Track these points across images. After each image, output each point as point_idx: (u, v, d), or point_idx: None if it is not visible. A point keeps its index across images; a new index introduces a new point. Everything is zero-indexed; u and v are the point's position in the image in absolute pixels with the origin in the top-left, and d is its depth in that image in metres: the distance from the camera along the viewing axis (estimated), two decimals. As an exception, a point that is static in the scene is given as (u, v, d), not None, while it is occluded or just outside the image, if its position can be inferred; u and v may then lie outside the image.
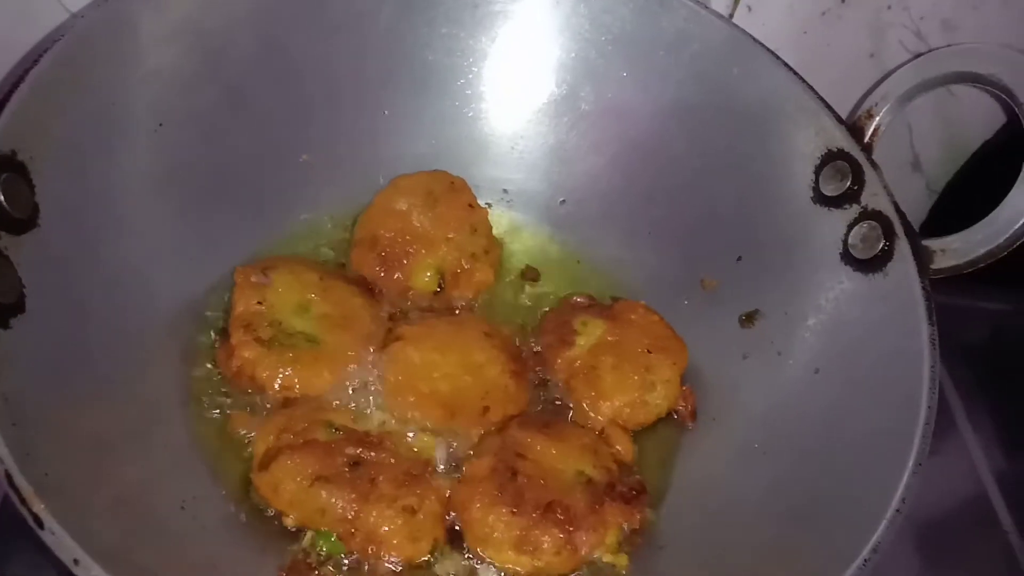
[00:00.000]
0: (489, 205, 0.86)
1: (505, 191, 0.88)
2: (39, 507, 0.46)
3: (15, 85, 0.59)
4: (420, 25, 0.82)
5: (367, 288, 0.76)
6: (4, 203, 0.56)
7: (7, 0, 0.78)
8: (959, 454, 0.93)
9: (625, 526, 0.64)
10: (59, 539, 0.45)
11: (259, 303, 0.68)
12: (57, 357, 0.57)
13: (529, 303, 0.82)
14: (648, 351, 0.75)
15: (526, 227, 0.86)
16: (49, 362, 0.56)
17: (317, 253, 0.79)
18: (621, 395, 0.72)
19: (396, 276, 0.77)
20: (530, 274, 0.84)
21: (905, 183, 1.04)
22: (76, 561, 0.45)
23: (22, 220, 0.57)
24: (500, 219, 0.86)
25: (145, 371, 0.64)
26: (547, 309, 0.81)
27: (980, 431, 0.94)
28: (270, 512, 0.61)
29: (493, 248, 0.81)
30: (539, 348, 0.77)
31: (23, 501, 0.46)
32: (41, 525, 0.45)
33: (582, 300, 0.81)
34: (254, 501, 0.62)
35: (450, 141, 0.86)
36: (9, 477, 0.46)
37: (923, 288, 0.66)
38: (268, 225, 0.78)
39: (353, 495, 0.59)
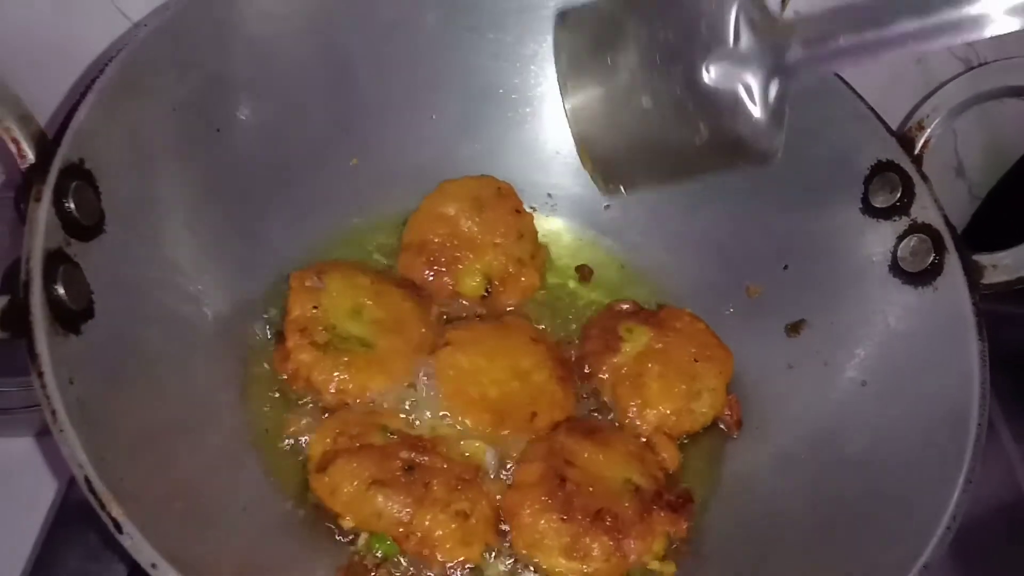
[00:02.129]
0: (534, 209, 0.87)
1: (550, 195, 0.88)
2: (118, 512, 0.47)
3: (82, 95, 0.60)
4: (465, 31, 0.82)
5: (416, 292, 0.77)
6: (74, 211, 0.57)
7: (70, 11, 0.79)
8: (999, 461, 0.93)
9: (671, 534, 0.65)
10: (137, 544, 0.47)
11: (314, 307, 0.70)
12: (123, 361, 0.58)
13: (574, 308, 0.82)
14: (695, 359, 0.76)
15: (571, 232, 0.87)
16: (116, 366, 0.57)
17: (367, 256, 0.81)
18: (667, 403, 0.73)
19: (444, 280, 0.78)
20: (585, 272, 0.85)
21: (948, 189, 1.04)
22: (154, 565, 0.46)
23: (90, 227, 0.59)
24: (545, 224, 0.87)
25: (204, 373, 0.66)
26: (591, 315, 0.82)
27: (1021, 439, 0.94)
28: (327, 514, 0.63)
29: (539, 253, 0.82)
30: (583, 354, 0.78)
31: (102, 506, 0.47)
32: (120, 530, 0.47)
33: (627, 306, 0.82)
34: (311, 503, 0.63)
35: (496, 145, 0.86)
36: (88, 482, 0.48)
37: (973, 304, 0.66)
38: (319, 228, 0.80)
39: (409, 499, 0.61)
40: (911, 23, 0.53)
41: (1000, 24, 0.50)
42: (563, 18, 0.73)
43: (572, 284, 0.85)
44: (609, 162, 0.71)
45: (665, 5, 0.66)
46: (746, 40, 0.60)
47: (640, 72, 0.65)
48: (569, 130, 0.78)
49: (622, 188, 0.74)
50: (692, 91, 0.61)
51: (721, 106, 0.61)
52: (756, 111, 0.60)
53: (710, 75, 0.60)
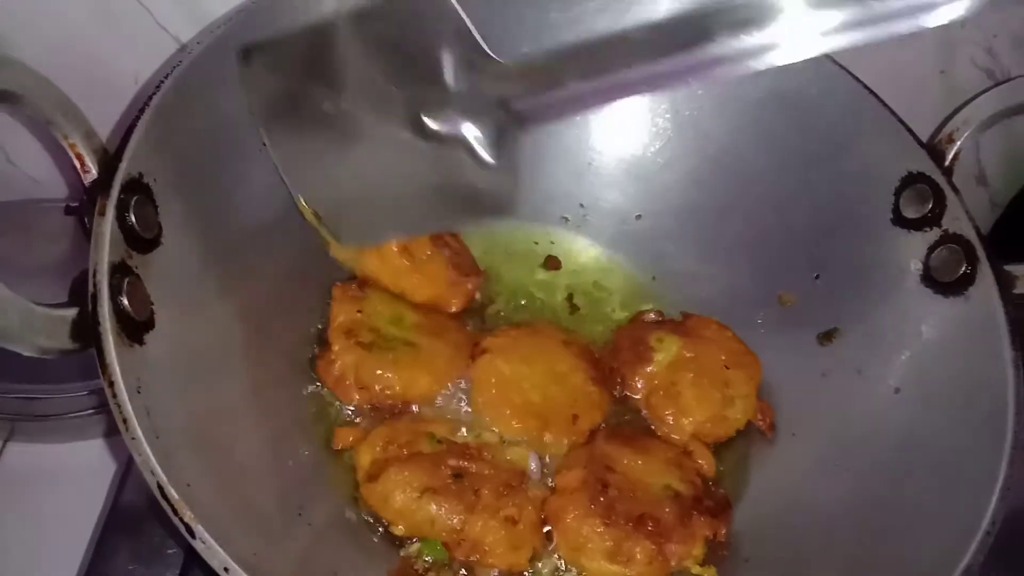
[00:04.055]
0: (566, 219, 0.89)
1: (581, 205, 0.90)
2: (190, 517, 0.49)
3: (140, 112, 0.62)
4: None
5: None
6: (135, 224, 0.59)
7: (113, 31, 0.81)
8: None
9: (711, 538, 0.67)
10: (209, 548, 0.49)
11: (358, 311, 0.72)
12: (182, 371, 0.60)
13: (609, 319, 0.84)
14: (726, 367, 0.77)
15: (602, 242, 0.88)
16: (176, 376, 0.59)
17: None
18: (702, 411, 0.74)
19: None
20: (552, 263, 0.86)
21: (970, 197, 1.04)
22: (226, 569, 0.48)
23: (149, 240, 0.60)
24: (576, 235, 0.89)
25: (258, 380, 0.67)
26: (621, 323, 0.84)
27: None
28: (377, 519, 0.64)
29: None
30: (616, 365, 0.79)
31: (175, 512, 0.49)
32: (192, 535, 0.49)
33: (654, 316, 0.83)
34: (363, 508, 0.65)
35: (529, 157, 0.87)
36: (160, 488, 0.49)
37: (1006, 313, 0.67)
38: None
39: (460, 506, 0.62)
40: (642, 70, 0.50)
41: (732, 68, 0.48)
42: (247, 58, 0.65)
43: (597, 292, 0.86)
44: (339, 216, 0.65)
45: (373, 46, 0.60)
46: (467, 85, 0.56)
47: (354, 118, 0.60)
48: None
49: (353, 240, 0.69)
50: (413, 138, 0.56)
51: (447, 154, 0.56)
52: (486, 159, 0.56)
53: (432, 122, 0.56)
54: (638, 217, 0.89)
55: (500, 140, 0.56)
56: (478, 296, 0.82)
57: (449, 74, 0.55)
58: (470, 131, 0.55)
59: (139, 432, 0.50)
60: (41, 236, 0.93)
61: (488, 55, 0.57)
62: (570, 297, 0.85)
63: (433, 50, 0.56)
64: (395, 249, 0.75)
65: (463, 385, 0.72)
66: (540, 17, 0.80)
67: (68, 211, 0.90)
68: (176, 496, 0.49)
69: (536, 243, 0.88)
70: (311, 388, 0.71)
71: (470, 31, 0.57)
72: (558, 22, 0.80)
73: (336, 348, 0.70)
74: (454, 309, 0.79)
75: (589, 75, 0.52)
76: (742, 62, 0.48)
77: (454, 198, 0.60)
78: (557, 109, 0.55)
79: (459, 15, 0.58)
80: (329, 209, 0.65)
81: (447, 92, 0.55)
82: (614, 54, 0.52)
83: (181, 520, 0.49)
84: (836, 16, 0.46)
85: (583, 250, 0.89)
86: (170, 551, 0.71)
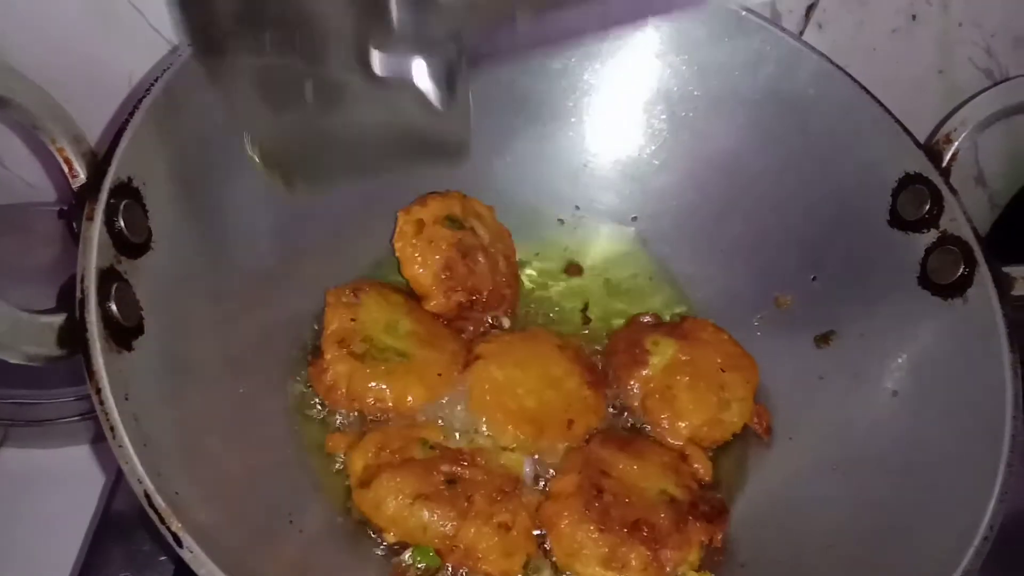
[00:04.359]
0: (561, 222, 0.88)
1: (577, 207, 0.89)
2: (177, 526, 0.48)
3: (130, 115, 0.61)
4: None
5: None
6: (124, 229, 0.58)
7: (106, 33, 0.81)
8: None
9: (707, 544, 0.66)
10: (197, 558, 0.48)
11: (352, 320, 0.71)
12: (171, 378, 0.60)
13: (600, 320, 0.84)
14: (722, 369, 0.77)
15: (597, 243, 0.88)
16: (165, 383, 0.58)
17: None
18: (698, 414, 0.74)
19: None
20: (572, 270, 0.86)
21: (968, 198, 1.03)
22: (213, 578, 0.48)
23: (139, 244, 0.60)
24: (572, 235, 0.88)
25: (248, 389, 0.67)
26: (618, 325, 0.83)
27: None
28: (370, 526, 0.64)
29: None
30: (611, 368, 0.79)
31: (162, 520, 0.48)
32: (180, 544, 0.48)
33: (649, 319, 0.83)
34: (354, 515, 0.65)
35: (525, 158, 0.87)
36: (148, 497, 0.49)
37: (1004, 315, 0.67)
38: (353, 242, 0.81)
39: (452, 512, 0.62)
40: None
41: None
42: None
43: (598, 295, 0.86)
44: (282, 160, 0.62)
45: None
46: (413, 23, 0.52)
47: (295, 58, 0.56)
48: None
49: (305, 187, 0.64)
50: (361, 80, 0.53)
51: (397, 99, 0.54)
52: (435, 100, 0.53)
53: (378, 63, 0.53)
54: (634, 219, 0.89)
55: (450, 82, 0.53)
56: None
57: (393, 11, 0.52)
58: (420, 72, 0.52)
59: (126, 440, 0.50)
60: (35, 240, 0.93)
61: None
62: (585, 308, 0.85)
63: None
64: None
65: (457, 391, 0.72)
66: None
67: (62, 215, 0.89)
68: (163, 504, 0.49)
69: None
70: (302, 395, 0.71)
71: None
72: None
73: (328, 357, 0.70)
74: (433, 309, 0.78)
75: (541, 7, 0.50)
76: None
77: (405, 142, 0.57)
78: (508, 45, 0.52)
79: None
80: (280, 158, 0.62)
81: (394, 29, 0.52)
82: None
83: (169, 529, 0.48)
84: None
85: (579, 250, 0.88)
86: (162, 558, 0.71)
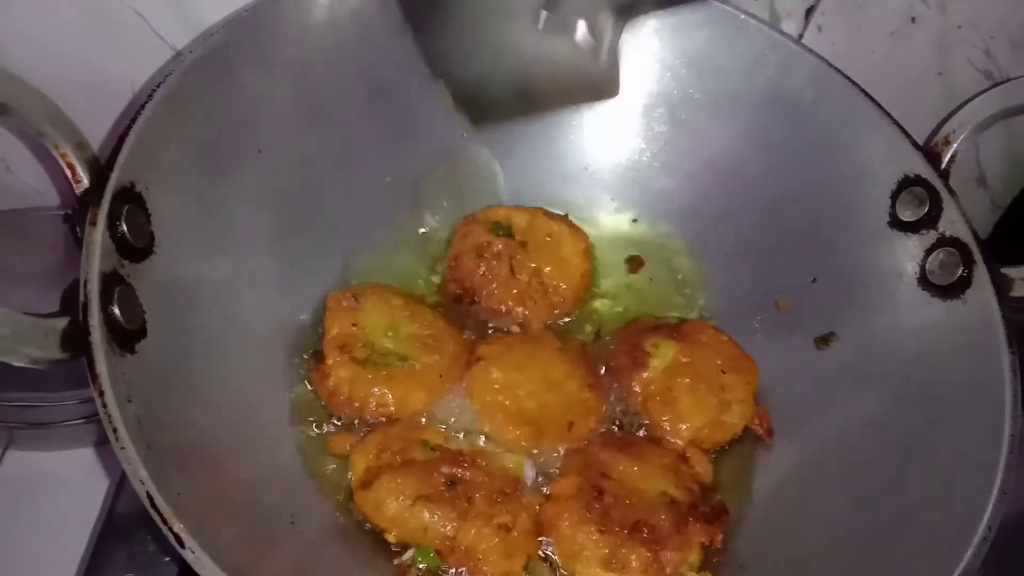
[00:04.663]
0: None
1: (578, 210, 0.89)
2: (179, 527, 0.49)
3: (132, 120, 0.62)
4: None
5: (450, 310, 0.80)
6: (127, 233, 0.59)
7: (109, 39, 0.81)
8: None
9: (707, 545, 0.66)
10: (199, 558, 0.48)
11: (353, 325, 0.71)
12: (173, 380, 0.60)
13: (602, 319, 0.84)
14: (722, 371, 0.77)
15: (598, 245, 0.88)
16: (167, 385, 0.59)
17: (401, 272, 0.82)
18: (699, 416, 0.74)
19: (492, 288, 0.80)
20: (635, 264, 0.87)
21: (970, 199, 1.04)
22: (215, 579, 0.48)
23: (141, 249, 0.61)
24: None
25: (250, 391, 0.67)
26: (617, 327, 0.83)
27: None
28: (371, 527, 0.64)
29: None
30: (612, 370, 0.79)
31: (164, 521, 0.49)
32: (182, 544, 0.48)
33: (650, 321, 0.83)
34: (355, 516, 0.65)
35: (526, 161, 0.88)
36: (150, 498, 0.49)
37: (1003, 316, 0.67)
38: (354, 245, 0.81)
39: (453, 513, 0.62)
40: None
41: None
42: None
43: (597, 302, 0.86)
44: (467, 94, 0.73)
45: None
46: None
47: (485, 14, 0.68)
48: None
49: (483, 117, 0.77)
50: (535, 30, 0.64)
51: (561, 44, 0.64)
52: (593, 46, 0.64)
53: (547, 15, 0.63)
54: (634, 221, 0.89)
55: (604, 28, 0.64)
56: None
57: None
58: (579, 22, 0.63)
59: (129, 442, 0.50)
60: (40, 244, 0.93)
61: None
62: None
63: None
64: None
65: (458, 393, 0.72)
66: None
67: (66, 220, 0.90)
68: (166, 506, 0.49)
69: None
70: (304, 396, 0.71)
71: None
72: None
73: (330, 362, 0.70)
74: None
75: None
76: None
77: (568, 80, 0.69)
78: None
79: None
80: (462, 92, 0.73)
81: None
82: None
83: (171, 530, 0.49)
84: None
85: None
86: (165, 559, 0.71)
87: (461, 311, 0.80)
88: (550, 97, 0.73)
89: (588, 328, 0.83)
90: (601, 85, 0.69)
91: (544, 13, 0.64)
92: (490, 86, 0.71)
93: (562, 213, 0.86)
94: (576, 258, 0.82)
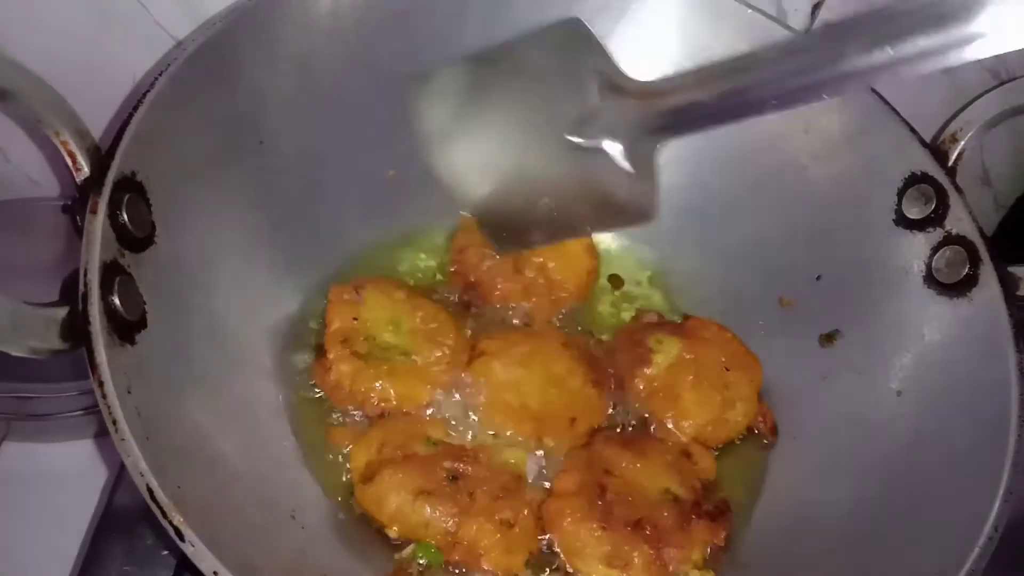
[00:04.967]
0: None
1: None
2: (179, 520, 0.48)
3: (134, 110, 0.61)
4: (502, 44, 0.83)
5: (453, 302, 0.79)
6: (128, 223, 0.58)
7: (112, 28, 0.81)
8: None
9: (710, 543, 0.66)
10: (198, 551, 0.48)
11: (354, 319, 0.71)
12: (174, 372, 0.59)
13: (606, 316, 0.83)
14: (726, 369, 0.76)
15: (601, 242, 0.88)
16: (168, 377, 0.58)
17: (405, 265, 0.82)
18: (703, 414, 0.73)
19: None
20: (616, 282, 0.86)
21: (974, 198, 1.03)
22: (215, 573, 0.47)
23: (142, 239, 0.60)
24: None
25: (252, 384, 0.67)
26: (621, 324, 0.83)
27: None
28: (372, 521, 0.64)
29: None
30: (615, 366, 0.78)
31: (164, 514, 0.48)
32: (182, 537, 0.48)
33: (654, 318, 0.82)
34: (356, 511, 0.64)
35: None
36: (150, 491, 0.49)
37: (1009, 315, 0.66)
38: (357, 238, 0.81)
39: (454, 509, 0.62)
40: (776, 86, 0.52)
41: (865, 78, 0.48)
42: (418, 85, 0.71)
43: (602, 295, 0.85)
44: (493, 222, 0.70)
45: (523, 73, 0.66)
46: (608, 105, 0.60)
47: (507, 138, 0.65)
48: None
49: (515, 247, 0.75)
50: (561, 155, 0.61)
51: (591, 167, 0.60)
52: (627, 169, 0.60)
53: (577, 139, 0.60)
54: (638, 217, 0.88)
55: (638, 151, 0.61)
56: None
57: (592, 95, 0.60)
58: (611, 146, 0.60)
59: (128, 433, 0.50)
60: (39, 235, 0.93)
61: (628, 77, 0.62)
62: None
63: (578, 74, 0.61)
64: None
65: (460, 387, 0.72)
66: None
67: (66, 210, 0.89)
68: (166, 499, 0.49)
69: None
70: (305, 390, 0.71)
71: (609, 56, 0.63)
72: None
73: (332, 356, 0.70)
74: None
75: (724, 96, 0.55)
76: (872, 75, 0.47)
77: (598, 206, 0.64)
78: (692, 125, 0.59)
79: (598, 42, 0.64)
80: (489, 220, 0.70)
81: (590, 111, 0.60)
82: (747, 75, 0.55)
83: (170, 523, 0.48)
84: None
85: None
86: (164, 552, 0.71)
87: (464, 304, 0.80)
88: (583, 223, 0.68)
89: (591, 324, 0.82)
90: (638, 210, 0.64)
91: (574, 137, 0.60)
92: (517, 214, 0.67)
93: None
94: (581, 254, 0.82)
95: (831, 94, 0.52)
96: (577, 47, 0.64)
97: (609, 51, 0.64)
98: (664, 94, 0.59)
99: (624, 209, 0.64)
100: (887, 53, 0.46)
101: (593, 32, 0.65)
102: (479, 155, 0.67)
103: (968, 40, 0.43)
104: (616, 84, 0.61)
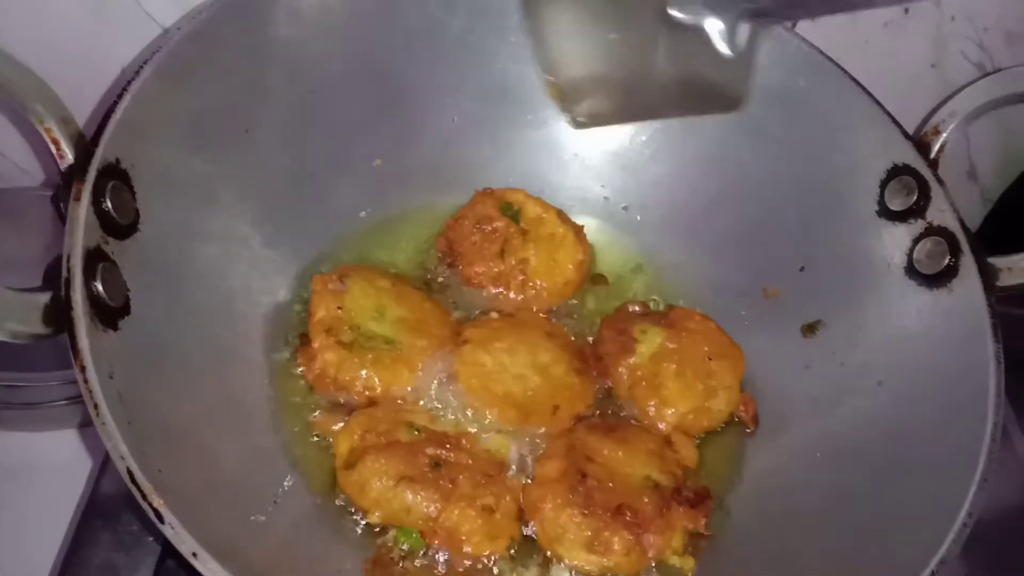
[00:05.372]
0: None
1: (568, 197, 0.89)
2: (159, 503, 0.49)
3: (118, 97, 0.62)
4: (490, 34, 0.83)
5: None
6: (112, 210, 0.58)
7: (100, 16, 0.81)
8: (1010, 461, 0.94)
9: (690, 529, 0.66)
10: (178, 533, 0.48)
11: (338, 308, 0.71)
12: (157, 358, 0.60)
13: (591, 308, 0.84)
14: (709, 358, 0.77)
15: (588, 233, 0.88)
16: (151, 362, 0.59)
17: (390, 254, 0.82)
18: (685, 402, 0.74)
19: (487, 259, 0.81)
20: (598, 280, 0.86)
21: (961, 192, 1.05)
22: (195, 554, 0.48)
23: (126, 226, 0.60)
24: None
25: (235, 371, 0.67)
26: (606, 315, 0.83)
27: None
28: (354, 508, 0.64)
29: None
30: (599, 355, 0.79)
31: (144, 497, 0.49)
32: (161, 520, 0.48)
33: (638, 308, 0.83)
34: (339, 497, 0.65)
35: (516, 147, 0.88)
36: (130, 474, 0.49)
37: (989, 305, 0.67)
38: (343, 227, 0.81)
39: (436, 495, 0.62)
40: None
41: None
42: None
43: (587, 285, 0.86)
44: (577, 92, 0.68)
45: None
46: None
47: (606, 2, 0.62)
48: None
49: (589, 120, 0.72)
50: (659, 27, 0.58)
51: (688, 44, 0.58)
52: (724, 52, 0.57)
53: (677, 13, 0.57)
54: (624, 208, 0.89)
55: (737, 34, 0.57)
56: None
57: None
58: (712, 24, 0.56)
59: (109, 417, 0.50)
60: (30, 225, 0.93)
61: None
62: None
63: None
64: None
65: (444, 375, 0.72)
66: None
67: (55, 200, 0.89)
68: (146, 481, 0.49)
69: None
70: (288, 377, 0.71)
71: None
72: None
73: (316, 345, 0.70)
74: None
75: None
76: None
77: (689, 88, 0.62)
78: (793, 6, 0.59)
79: None
80: (571, 86, 0.67)
81: None
82: None
83: (151, 505, 0.49)
84: None
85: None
86: (148, 538, 0.71)
87: (446, 288, 0.81)
88: (667, 103, 0.67)
89: (575, 315, 0.83)
90: (728, 96, 0.62)
91: (675, 9, 0.57)
92: (603, 86, 0.65)
93: (570, 216, 0.86)
94: (568, 266, 0.82)
95: None
96: None
97: None
98: None
99: (714, 94, 0.62)
100: None
101: None
102: (575, 18, 0.64)
103: None
104: None
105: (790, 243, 0.81)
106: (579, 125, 0.75)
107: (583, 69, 0.65)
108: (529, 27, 0.67)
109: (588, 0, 0.63)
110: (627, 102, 0.67)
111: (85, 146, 0.59)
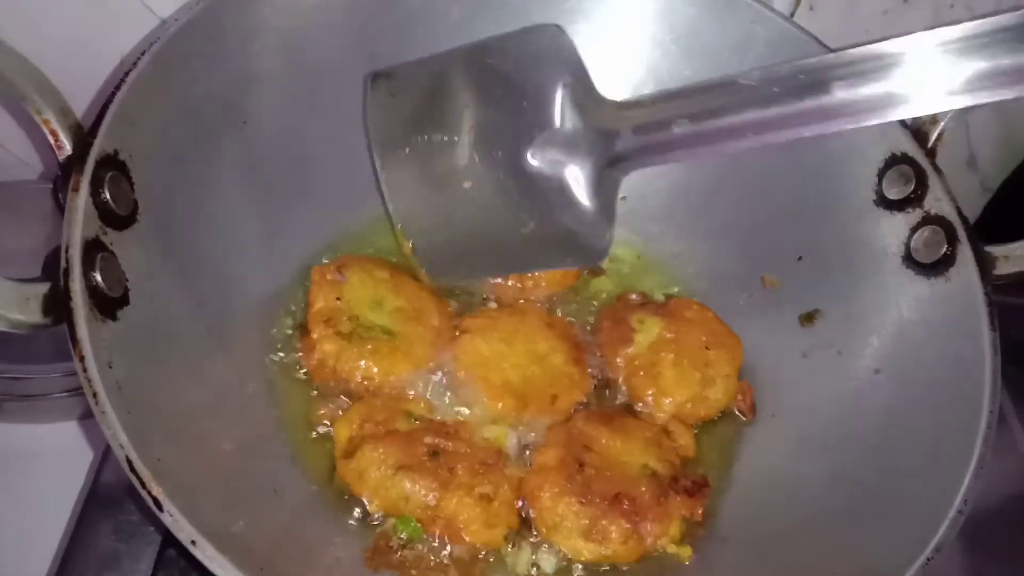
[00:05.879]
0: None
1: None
2: (158, 491, 0.49)
3: (116, 88, 0.62)
4: (489, 22, 0.83)
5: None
6: (110, 201, 0.58)
7: (98, 7, 0.81)
8: (1008, 451, 0.94)
9: (688, 518, 0.67)
10: (177, 521, 0.49)
11: (337, 299, 0.71)
12: (156, 347, 0.60)
13: (588, 297, 0.84)
14: (706, 347, 0.77)
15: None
16: (150, 352, 0.59)
17: (392, 243, 0.82)
18: (683, 391, 0.74)
19: None
20: (595, 271, 0.86)
21: (960, 181, 1.05)
22: (193, 542, 0.48)
23: (124, 217, 0.60)
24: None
25: (234, 361, 0.67)
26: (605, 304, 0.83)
27: (1030, 428, 0.95)
28: (353, 497, 0.64)
29: None
30: (597, 344, 0.79)
31: (143, 485, 0.49)
32: (160, 508, 0.49)
33: (636, 298, 0.83)
34: (338, 486, 0.65)
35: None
36: (129, 462, 0.49)
37: (985, 294, 0.67)
38: (340, 219, 0.81)
39: (434, 483, 0.62)
40: (754, 113, 0.49)
41: (853, 118, 0.47)
42: (376, 82, 0.66)
43: (585, 275, 0.86)
44: (431, 246, 0.66)
45: (488, 80, 0.61)
46: (573, 124, 0.56)
47: (461, 152, 0.60)
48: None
49: (445, 278, 0.70)
50: (516, 177, 0.57)
51: (547, 195, 0.56)
52: (584, 202, 0.56)
53: (535, 161, 0.56)
54: (623, 198, 0.88)
55: (599, 184, 0.56)
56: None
57: (557, 112, 0.56)
58: (571, 172, 0.56)
59: (108, 406, 0.50)
60: (30, 217, 0.93)
61: (599, 96, 0.58)
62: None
63: (545, 87, 0.57)
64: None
65: (443, 364, 0.72)
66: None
67: (55, 192, 0.90)
68: (145, 470, 0.49)
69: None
70: (287, 366, 0.71)
71: (584, 71, 0.59)
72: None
73: (315, 336, 0.70)
74: None
75: (697, 118, 0.51)
76: (860, 115, 0.47)
77: (548, 241, 0.60)
78: (660, 152, 0.55)
79: (576, 55, 0.59)
80: (424, 242, 0.66)
81: (554, 129, 0.56)
82: (723, 99, 0.51)
83: (150, 493, 0.49)
84: (964, 72, 0.46)
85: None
86: (149, 528, 0.72)
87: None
88: (528, 256, 0.63)
89: (573, 305, 0.83)
90: (588, 250, 0.59)
91: (533, 151, 0.56)
92: (456, 241, 0.62)
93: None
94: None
95: (816, 129, 0.49)
96: (552, 58, 0.61)
97: (583, 62, 0.61)
98: (636, 107, 0.56)
99: (575, 245, 0.59)
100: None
101: (570, 41, 0.61)
102: (427, 168, 0.63)
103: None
104: (587, 101, 0.58)
105: (788, 233, 0.81)
106: (432, 278, 0.72)
107: (437, 223, 0.63)
108: (380, 177, 0.65)
109: (442, 148, 0.61)
110: (485, 257, 0.64)
111: (83, 137, 0.59)
